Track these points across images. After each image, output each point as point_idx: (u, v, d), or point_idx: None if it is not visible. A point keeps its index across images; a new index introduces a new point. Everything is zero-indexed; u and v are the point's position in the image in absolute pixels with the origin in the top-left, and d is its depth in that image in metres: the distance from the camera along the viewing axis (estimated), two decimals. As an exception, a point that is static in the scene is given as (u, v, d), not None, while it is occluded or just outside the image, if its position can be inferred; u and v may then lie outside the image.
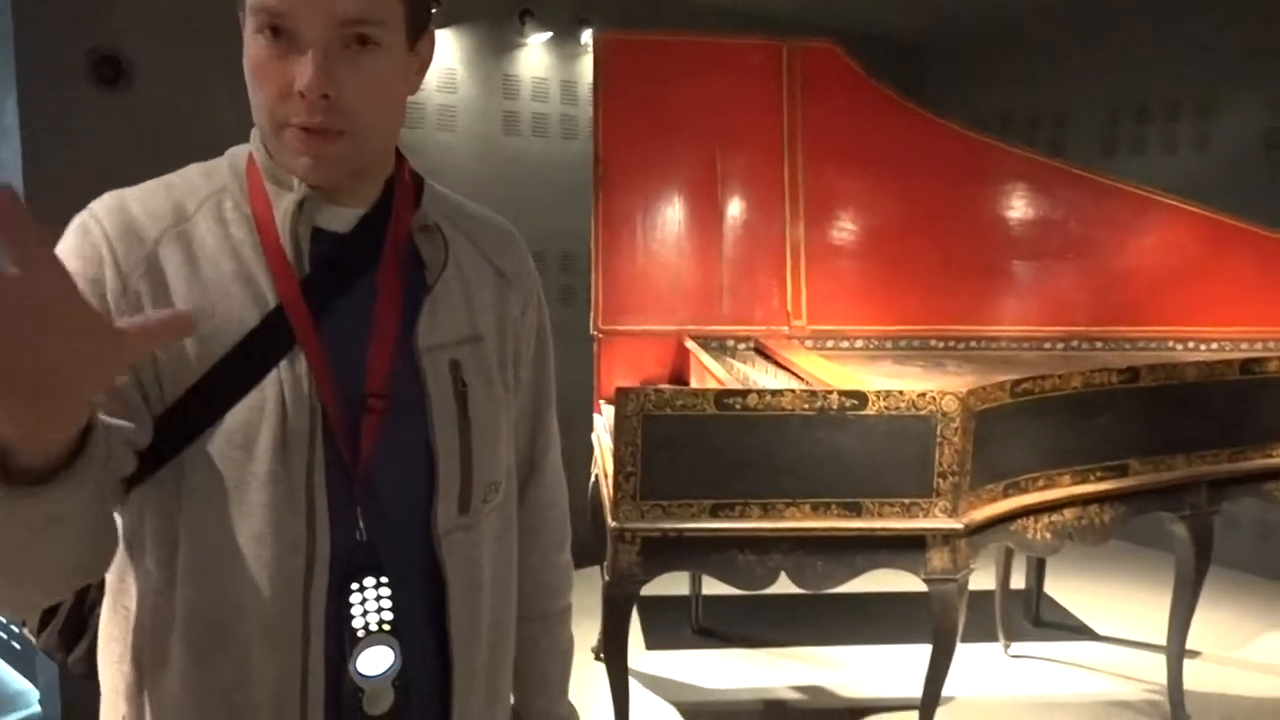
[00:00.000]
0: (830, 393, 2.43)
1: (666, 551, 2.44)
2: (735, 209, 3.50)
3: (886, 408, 2.45)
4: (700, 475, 2.42)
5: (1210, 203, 3.66)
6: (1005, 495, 2.69)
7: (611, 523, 2.42)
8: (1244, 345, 3.66)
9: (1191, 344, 3.65)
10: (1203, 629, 3.19)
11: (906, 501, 2.49)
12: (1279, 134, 4.55)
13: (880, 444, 2.45)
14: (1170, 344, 3.65)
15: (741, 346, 3.47)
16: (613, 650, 2.50)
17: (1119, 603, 4.16)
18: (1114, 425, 2.91)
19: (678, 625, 3.85)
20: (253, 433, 0.98)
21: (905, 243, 3.57)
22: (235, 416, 0.98)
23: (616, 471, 2.40)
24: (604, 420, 3.18)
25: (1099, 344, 3.62)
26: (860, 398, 2.44)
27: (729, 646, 3.69)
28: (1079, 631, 3.93)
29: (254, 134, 1.06)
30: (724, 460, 2.42)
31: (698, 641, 3.74)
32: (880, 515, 2.48)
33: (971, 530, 2.54)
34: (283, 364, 0.99)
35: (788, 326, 3.49)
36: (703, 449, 2.41)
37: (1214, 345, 3.65)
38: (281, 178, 1.03)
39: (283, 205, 1.02)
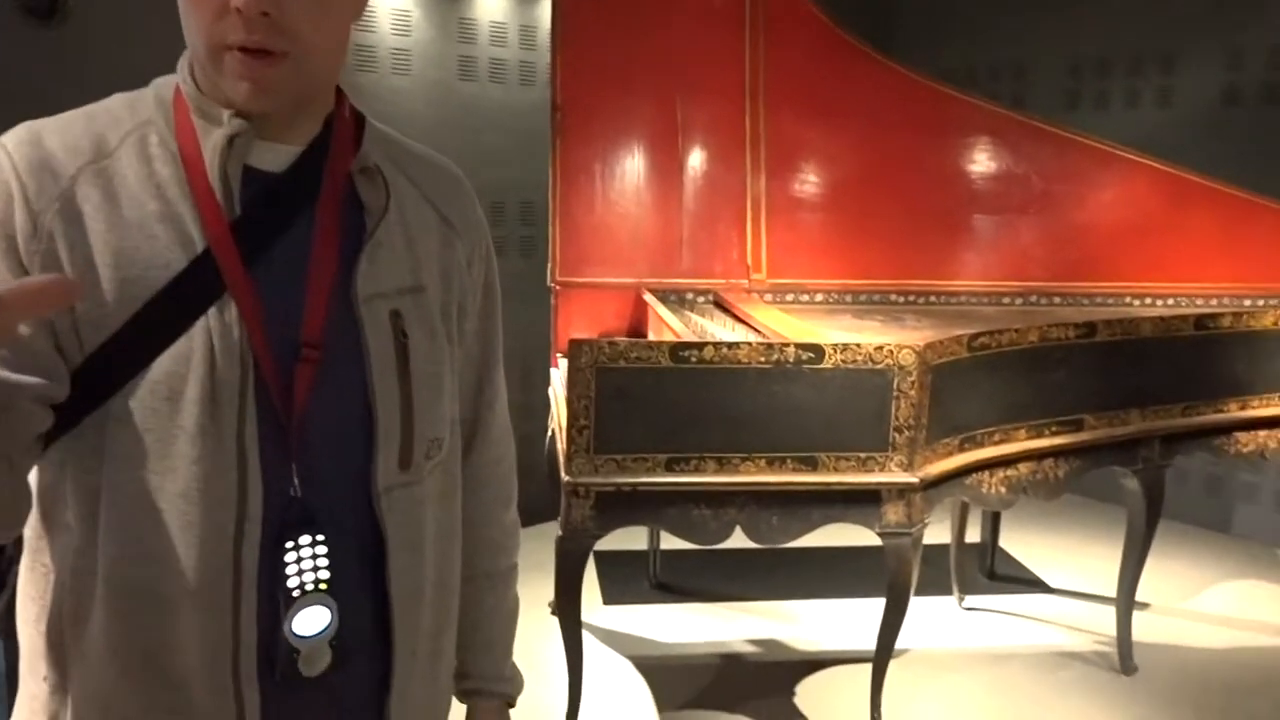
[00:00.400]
0: (786, 345, 2.41)
1: (620, 506, 2.42)
2: (696, 159, 3.44)
3: (843, 361, 2.43)
4: (655, 429, 2.39)
5: (1172, 158, 3.66)
6: (961, 450, 2.70)
7: (565, 477, 2.39)
8: (1199, 301, 3.68)
9: (1149, 300, 3.67)
10: (1152, 581, 3.24)
11: (862, 455, 2.48)
12: (1241, 89, 4.56)
13: (836, 398, 2.44)
14: (1128, 300, 3.66)
15: (700, 300, 3.44)
16: (566, 606, 2.48)
17: (1072, 556, 4.22)
18: (1070, 380, 2.92)
19: (635, 580, 3.85)
20: (179, 384, 0.93)
21: (867, 195, 3.54)
22: (160, 367, 0.93)
23: (570, 425, 2.37)
24: (561, 373, 3.14)
25: (1057, 299, 3.63)
26: (816, 351, 2.42)
27: (687, 601, 3.70)
28: (1032, 584, 3.98)
29: (181, 64, 1.00)
30: (679, 414, 2.39)
31: (655, 596, 3.75)
32: (836, 469, 2.47)
33: (927, 484, 2.54)
34: (211, 311, 0.94)
35: (747, 280, 3.45)
36: (657, 402, 2.38)
37: (1170, 301, 3.67)
38: (210, 111, 0.97)
39: (211, 141, 0.96)
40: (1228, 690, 3.19)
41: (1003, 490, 2.82)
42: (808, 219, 3.52)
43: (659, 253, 3.44)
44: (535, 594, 3.76)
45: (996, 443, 2.79)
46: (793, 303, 3.47)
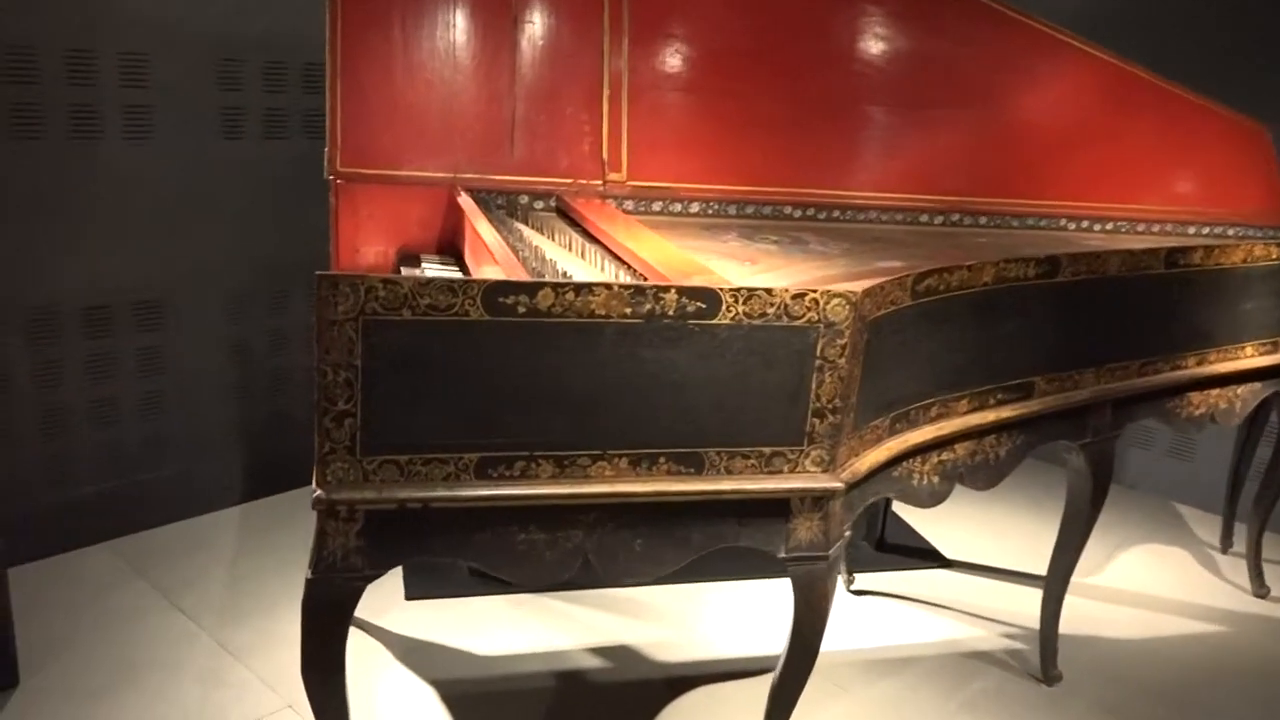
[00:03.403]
0: (664, 291, 1.58)
1: (404, 532, 1.57)
2: (537, 19, 2.51)
3: (745, 315, 1.62)
4: (460, 414, 1.54)
5: (1113, 47, 2.97)
6: (892, 432, 1.96)
7: (315, 489, 1.52)
8: (1140, 227, 3.06)
9: (1085, 223, 3.02)
10: (1045, 551, 2.63)
11: (766, 451, 1.71)
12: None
13: (733, 368, 1.64)
14: (1062, 223, 3.00)
15: (538, 206, 2.56)
16: (318, 680, 1.62)
17: (968, 521, 3.65)
18: (1021, 333, 2.22)
19: (446, 567, 3.00)
20: None
21: (757, 78, 2.71)
22: None
23: (321, 414, 1.49)
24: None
25: (982, 219, 2.93)
26: (707, 299, 1.60)
27: (510, 591, 2.89)
28: (927, 557, 3.38)
29: None
30: (498, 392, 1.55)
31: (473, 586, 2.93)
32: (729, 472, 1.69)
33: (851, 487, 1.80)
34: None
35: (602, 181, 2.59)
36: (465, 373, 1.53)
37: (1109, 225, 3.04)
38: None
39: None
40: (1160, 698, 2.66)
41: (935, 480, 2.12)
42: (682, 104, 2.66)
43: (482, 139, 2.53)
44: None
45: (933, 419, 2.07)
46: (661, 214, 2.64)
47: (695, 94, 2.66)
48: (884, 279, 1.82)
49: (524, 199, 2.55)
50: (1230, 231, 3.13)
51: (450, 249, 2.50)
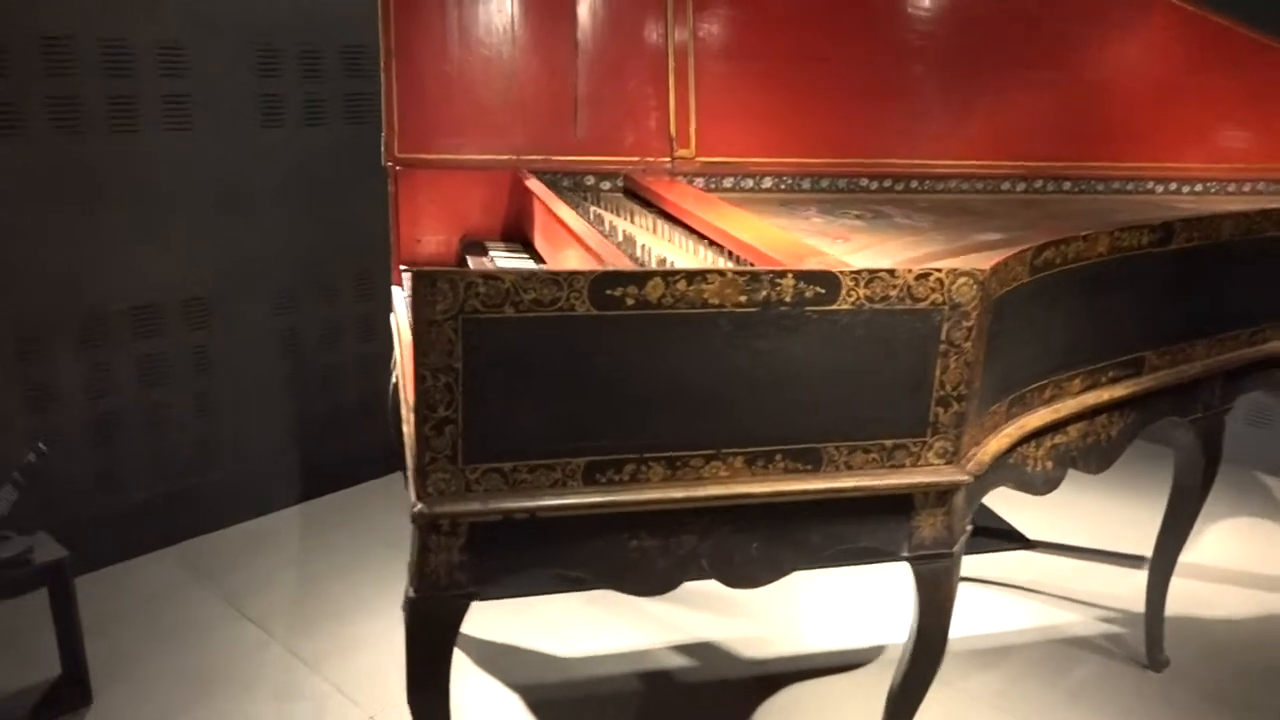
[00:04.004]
0: (782, 276, 1.45)
1: (511, 545, 1.46)
2: (592, -11, 2.38)
3: (868, 298, 1.50)
4: (567, 416, 1.43)
5: None
6: (1009, 417, 1.84)
7: (416, 503, 1.41)
8: (1231, 187, 2.90)
9: (1174, 185, 2.86)
10: (1135, 531, 2.51)
11: (888, 444, 1.59)
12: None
13: (853, 356, 1.52)
14: (1150, 184, 2.84)
15: (605, 187, 2.44)
16: (425, 702, 1.52)
17: (1041, 502, 3.51)
18: (1133, 305, 2.08)
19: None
20: None
21: (828, 43, 2.57)
22: None
23: (421, 421, 1.37)
24: (404, 298, 2.13)
25: (1067, 184, 2.78)
26: (827, 284, 1.47)
27: (584, 586, 2.79)
28: (1010, 538, 3.26)
29: None
30: (606, 390, 1.43)
31: (545, 584, 2.82)
32: (848, 468, 1.57)
33: (978, 477, 1.68)
34: None
35: (670, 159, 2.46)
36: (571, 373, 1.41)
37: (1198, 187, 2.88)
38: None
39: None
40: (1266, 680, 2.53)
41: (1049, 465, 2.00)
42: (749, 74, 2.52)
43: (545, 118, 2.40)
44: (381, 572, 2.81)
45: (1047, 400, 1.94)
46: (733, 190, 2.51)
47: (763, 62, 2.52)
48: (1006, 254, 1.68)
49: (590, 179, 2.42)
50: (1325, 188, 2.97)
51: (516, 235, 2.38)
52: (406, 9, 2.28)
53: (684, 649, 2.60)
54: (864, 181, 2.60)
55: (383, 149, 2.30)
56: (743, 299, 1.44)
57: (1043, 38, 2.72)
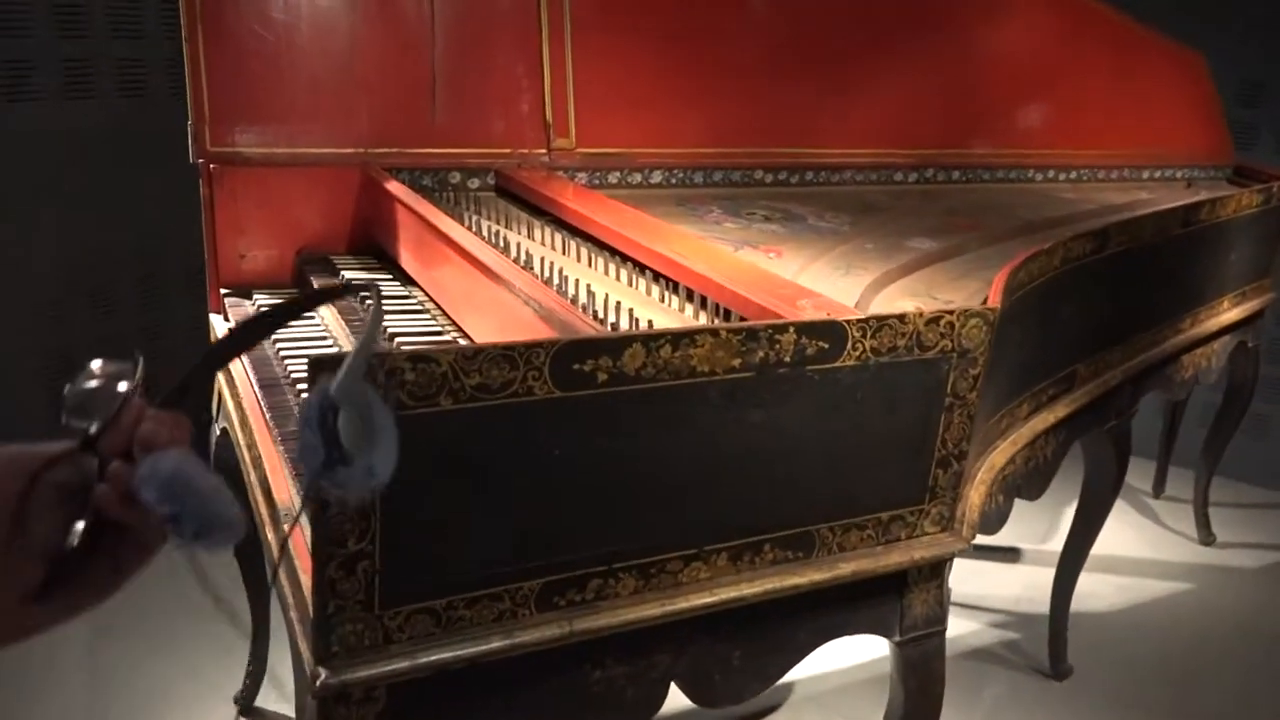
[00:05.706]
0: (782, 331, 1.15)
1: (446, 702, 1.10)
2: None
3: (874, 351, 1.22)
4: (518, 529, 1.08)
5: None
6: (977, 459, 1.62)
7: (319, 673, 1.01)
8: (1101, 174, 2.85)
9: (1051, 173, 2.77)
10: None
11: (884, 517, 1.33)
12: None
13: (851, 420, 1.25)
14: (1030, 173, 2.74)
15: (474, 184, 2.05)
16: None
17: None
18: (1070, 318, 1.92)
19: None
20: None
21: (717, 16, 2.27)
22: None
23: (322, 562, 0.98)
24: (222, 328, 1.68)
25: (956, 173, 2.62)
26: (833, 337, 1.19)
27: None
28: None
29: None
30: (568, 491, 1.09)
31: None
32: (841, 549, 1.31)
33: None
34: None
35: (547, 150, 2.10)
36: (525, 474, 1.06)
37: (1073, 175, 2.80)
38: None
39: None
40: (1177, 683, 2.51)
41: (1000, 500, 1.80)
42: (633, 49, 2.19)
43: (396, 102, 1.98)
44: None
45: (1003, 432, 1.75)
46: (619, 185, 2.18)
47: (650, 41, 2.19)
48: (978, 279, 1.46)
49: (456, 176, 2.02)
50: (1179, 174, 2.98)
51: (367, 247, 1.96)
52: (212, -40, 1.80)
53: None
54: (758, 174, 2.33)
55: (190, 141, 1.81)
56: (736, 362, 1.13)
57: (929, 20, 2.53)
